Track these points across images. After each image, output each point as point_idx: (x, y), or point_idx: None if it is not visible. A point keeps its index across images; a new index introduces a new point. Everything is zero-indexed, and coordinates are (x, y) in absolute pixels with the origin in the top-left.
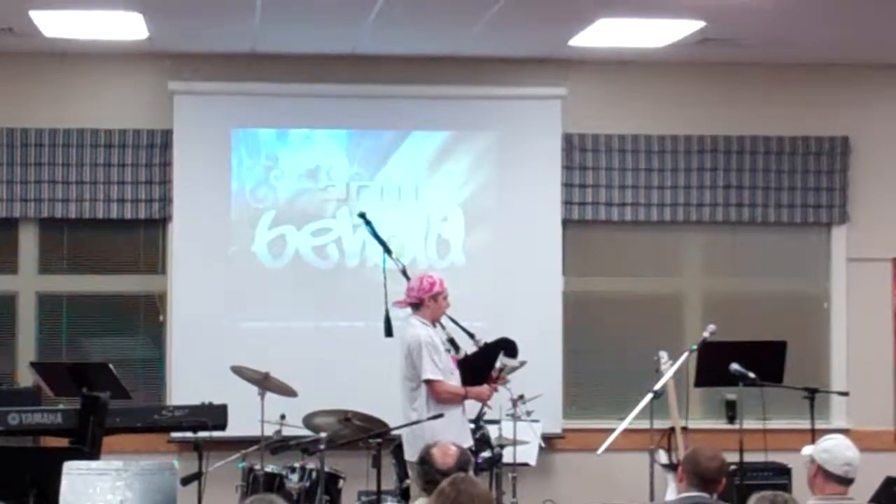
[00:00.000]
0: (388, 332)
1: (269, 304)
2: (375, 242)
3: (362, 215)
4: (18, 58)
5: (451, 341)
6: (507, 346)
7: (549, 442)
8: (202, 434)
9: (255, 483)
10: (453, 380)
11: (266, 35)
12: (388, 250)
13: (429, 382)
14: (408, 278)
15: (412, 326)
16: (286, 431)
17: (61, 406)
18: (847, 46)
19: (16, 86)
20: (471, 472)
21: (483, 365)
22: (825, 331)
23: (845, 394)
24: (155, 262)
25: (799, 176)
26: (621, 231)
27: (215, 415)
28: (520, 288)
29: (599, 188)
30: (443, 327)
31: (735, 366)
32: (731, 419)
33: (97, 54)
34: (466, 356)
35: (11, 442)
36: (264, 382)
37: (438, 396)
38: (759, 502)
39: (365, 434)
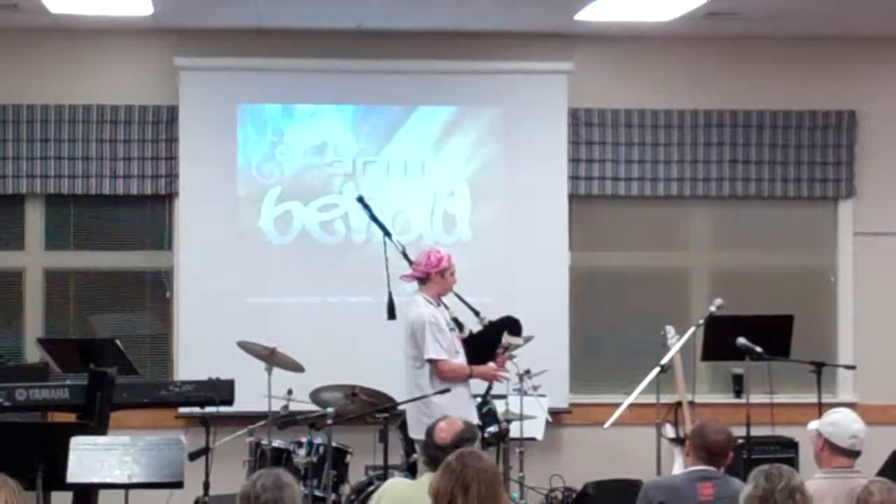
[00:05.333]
0: (392, 314)
1: (276, 280)
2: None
3: (360, 199)
4: (24, 34)
5: (455, 321)
6: (512, 325)
7: (556, 416)
8: (209, 409)
9: (262, 458)
10: (458, 358)
11: (272, 10)
12: (387, 233)
13: (432, 362)
14: (409, 260)
15: (416, 305)
16: (293, 406)
17: (68, 382)
18: (854, 20)
19: (21, 62)
20: (477, 446)
21: (488, 344)
22: (832, 305)
23: (852, 367)
24: (161, 237)
25: (806, 150)
26: (628, 206)
27: (222, 390)
28: (526, 263)
29: (606, 163)
30: (446, 307)
31: (742, 340)
32: (738, 393)
33: (102, 30)
34: (471, 335)
35: (19, 418)
36: (271, 358)
37: (443, 375)
38: (756, 476)
39: (372, 409)
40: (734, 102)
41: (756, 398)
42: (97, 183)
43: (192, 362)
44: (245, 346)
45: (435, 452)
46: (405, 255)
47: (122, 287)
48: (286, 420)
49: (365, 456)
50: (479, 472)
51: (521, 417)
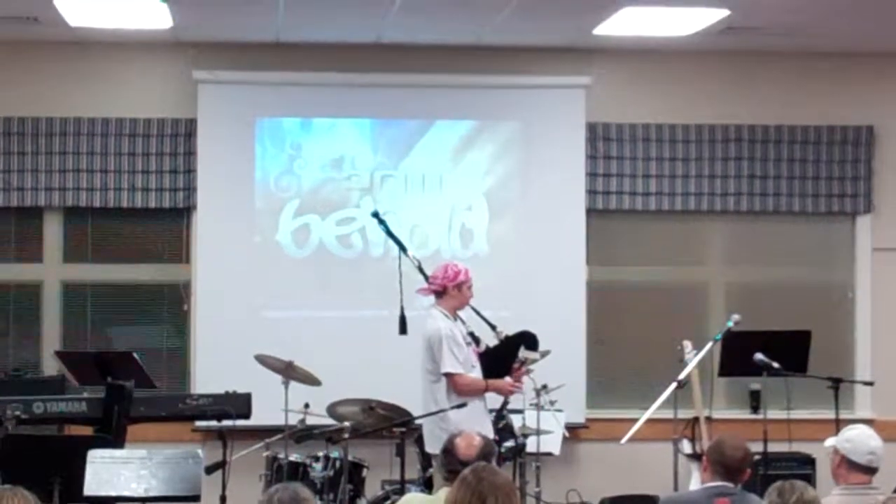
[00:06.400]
0: (403, 329)
1: (293, 294)
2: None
3: (375, 214)
4: (43, 47)
5: (472, 335)
6: (528, 339)
7: (573, 431)
8: (226, 423)
9: (278, 472)
10: (474, 373)
11: (290, 24)
12: (403, 248)
13: (449, 376)
14: (425, 275)
15: (432, 319)
16: (310, 420)
17: (86, 395)
18: (872, 36)
19: (40, 75)
20: (494, 463)
21: (504, 358)
22: (849, 320)
23: (870, 383)
24: (179, 251)
25: (823, 165)
26: (645, 220)
27: (239, 403)
28: (543, 277)
29: (623, 177)
30: (462, 322)
31: (759, 355)
32: (755, 409)
33: (122, 43)
34: (487, 350)
35: (36, 430)
36: (288, 371)
37: (459, 389)
38: (771, 492)
39: (388, 423)
40: (752, 117)
41: (773, 414)
42: (115, 196)
43: (209, 375)
44: (262, 360)
45: (459, 467)
46: (421, 270)
47: (139, 300)
48: (303, 434)
49: (381, 470)
50: (496, 487)
51: (538, 432)
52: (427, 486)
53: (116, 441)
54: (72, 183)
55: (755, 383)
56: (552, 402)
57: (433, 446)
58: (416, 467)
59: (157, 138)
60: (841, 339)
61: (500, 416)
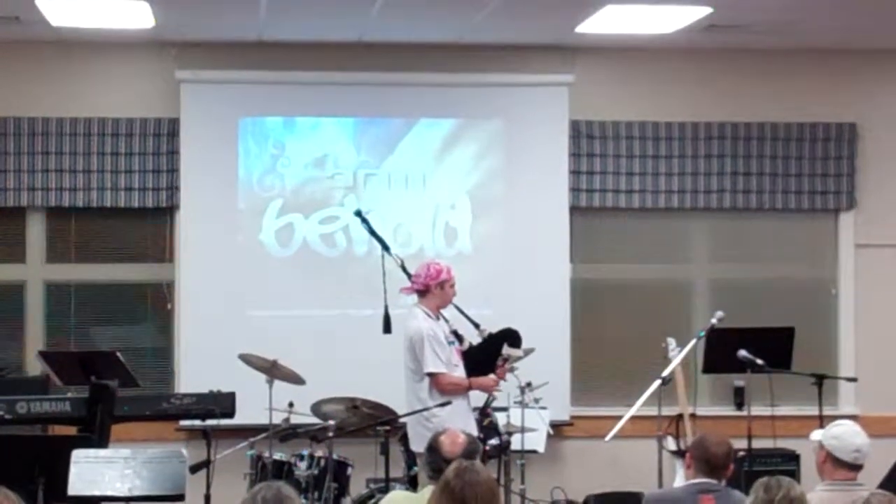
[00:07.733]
0: (387, 328)
1: (277, 293)
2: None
3: (358, 213)
4: (25, 47)
5: (455, 333)
6: (511, 337)
7: (558, 429)
8: (210, 422)
9: (263, 471)
10: (457, 371)
11: (273, 23)
12: (386, 247)
13: (432, 375)
14: (408, 273)
15: (414, 318)
16: (294, 419)
17: (69, 394)
18: (854, 32)
19: (23, 75)
20: (478, 460)
21: (487, 356)
22: (833, 317)
23: (853, 380)
24: (163, 250)
25: (807, 162)
26: (629, 218)
27: (223, 402)
28: (527, 275)
29: (607, 175)
30: (445, 320)
31: (743, 352)
32: (740, 406)
33: (104, 43)
34: (471, 347)
35: (20, 430)
36: (272, 370)
37: (442, 388)
38: (756, 488)
39: (373, 421)
40: (735, 114)
41: (757, 410)
42: (98, 195)
43: (193, 375)
44: (246, 359)
45: (443, 465)
46: (404, 269)
47: (123, 299)
48: (287, 433)
49: (366, 469)
50: (477, 486)
51: (523, 430)
52: (412, 484)
53: (100, 441)
54: (55, 183)
55: (739, 380)
56: (537, 400)
57: (418, 445)
58: (400, 466)
59: (140, 138)
60: (824, 335)
61: (484, 413)
